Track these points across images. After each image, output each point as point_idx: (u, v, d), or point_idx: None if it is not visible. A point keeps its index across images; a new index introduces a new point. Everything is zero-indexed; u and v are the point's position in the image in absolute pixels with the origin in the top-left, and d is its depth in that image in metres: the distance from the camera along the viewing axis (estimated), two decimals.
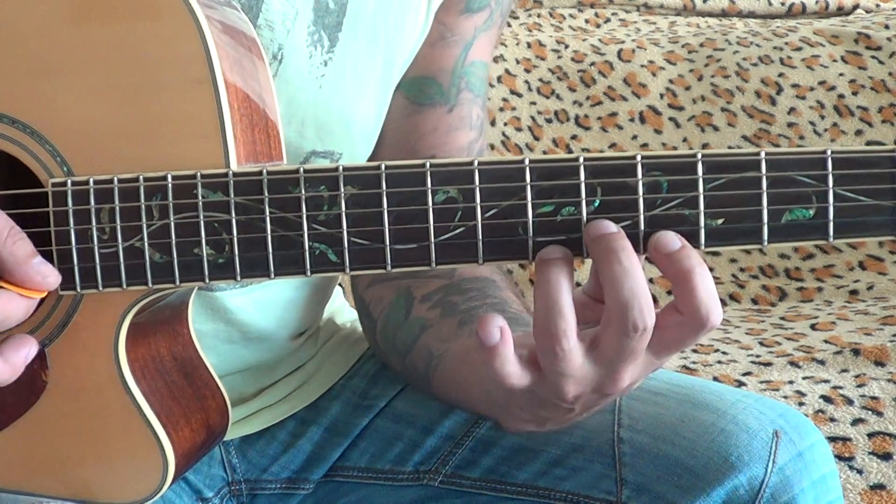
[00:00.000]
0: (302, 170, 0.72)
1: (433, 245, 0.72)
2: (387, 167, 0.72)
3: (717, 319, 0.69)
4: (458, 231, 0.71)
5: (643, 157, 0.69)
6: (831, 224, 0.68)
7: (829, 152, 0.68)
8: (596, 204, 0.70)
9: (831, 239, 0.68)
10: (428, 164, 0.71)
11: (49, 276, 0.75)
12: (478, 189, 0.71)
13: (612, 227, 0.69)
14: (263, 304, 1.02)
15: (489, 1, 1.05)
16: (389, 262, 0.72)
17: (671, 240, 0.69)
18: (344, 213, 0.72)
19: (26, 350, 0.76)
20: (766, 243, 0.69)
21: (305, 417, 1.08)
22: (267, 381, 1.08)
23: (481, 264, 0.72)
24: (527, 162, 0.70)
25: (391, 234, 0.72)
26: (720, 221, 0.69)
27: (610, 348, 0.70)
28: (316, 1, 0.96)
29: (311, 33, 0.96)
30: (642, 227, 0.70)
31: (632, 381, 0.72)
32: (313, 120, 0.97)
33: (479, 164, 0.71)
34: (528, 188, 0.70)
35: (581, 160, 0.69)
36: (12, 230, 0.74)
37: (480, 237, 0.71)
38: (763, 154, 0.68)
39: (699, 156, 0.68)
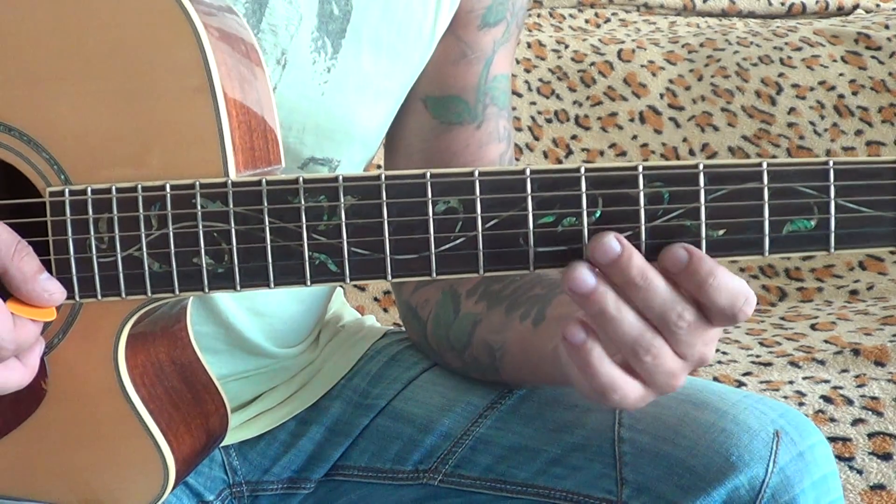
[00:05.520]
0: (301, 180, 0.72)
1: (434, 256, 0.71)
2: (387, 177, 0.71)
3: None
4: (458, 241, 0.71)
5: (645, 168, 0.69)
6: (832, 235, 0.68)
7: (831, 163, 0.68)
8: (597, 215, 0.70)
9: (832, 250, 0.68)
10: (428, 175, 0.71)
11: (55, 293, 0.75)
12: (478, 200, 0.70)
13: (615, 247, 0.70)
14: (259, 315, 1.02)
15: (505, 13, 1.05)
16: (390, 272, 0.72)
17: (679, 254, 0.70)
18: (344, 224, 0.72)
19: (39, 349, 0.77)
20: (766, 254, 0.69)
21: (306, 417, 1.08)
22: (266, 386, 1.08)
23: (482, 275, 0.71)
24: (528, 172, 0.70)
25: (391, 245, 0.72)
26: (721, 232, 0.69)
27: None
28: (320, 6, 0.96)
29: (315, 39, 0.96)
30: (643, 238, 0.70)
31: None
32: (314, 127, 0.96)
33: (480, 174, 0.70)
34: (529, 199, 0.70)
35: (582, 171, 0.69)
36: (19, 245, 0.74)
37: (481, 248, 0.71)
38: (765, 164, 0.68)
39: (701, 166, 0.68)
